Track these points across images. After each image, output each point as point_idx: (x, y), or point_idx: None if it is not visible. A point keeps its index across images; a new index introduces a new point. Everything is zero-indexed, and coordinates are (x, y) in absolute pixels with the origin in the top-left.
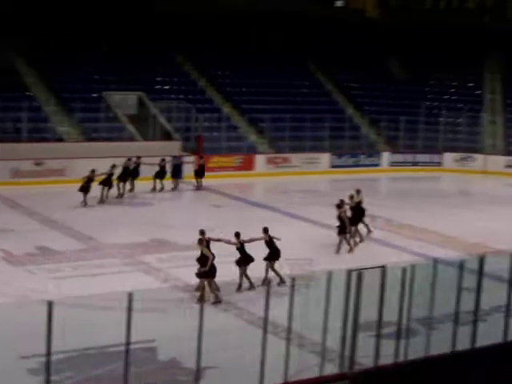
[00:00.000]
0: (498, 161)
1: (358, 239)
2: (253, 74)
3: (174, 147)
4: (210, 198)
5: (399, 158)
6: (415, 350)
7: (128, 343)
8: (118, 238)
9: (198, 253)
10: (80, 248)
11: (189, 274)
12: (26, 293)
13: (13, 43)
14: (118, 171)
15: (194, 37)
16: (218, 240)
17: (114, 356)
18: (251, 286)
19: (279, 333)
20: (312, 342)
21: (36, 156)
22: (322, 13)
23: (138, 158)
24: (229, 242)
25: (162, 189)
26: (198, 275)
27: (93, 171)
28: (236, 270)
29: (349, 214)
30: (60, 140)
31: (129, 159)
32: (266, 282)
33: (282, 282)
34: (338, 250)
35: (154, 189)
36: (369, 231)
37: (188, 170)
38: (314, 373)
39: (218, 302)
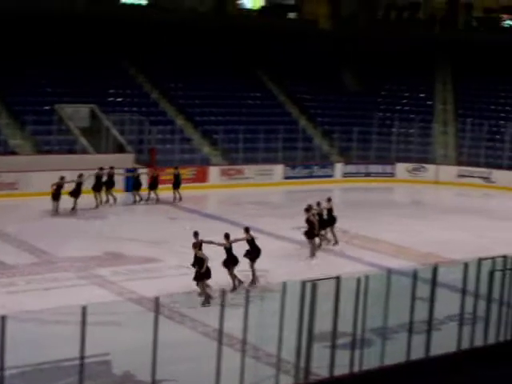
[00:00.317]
0: (449, 171)
1: (322, 243)
2: (206, 86)
3: (127, 160)
4: (165, 210)
5: (352, 168)
6: (370, 359)
7: (82, 357)
8: (72, 251)
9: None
10: (33, 262)
11: (143, 286)
12: None
13: None
14: (88, 181)
15: (146, 49)
16: (210, 242)
17: (69, 370)
18: (234, 288)
19: (234, 345)
20: (267, 353)
21: None
22: (274, 24)
23: (112, 168)
24: (220, 244)
25: (113, 200)
26: (196, 278)
27: (62, 178)
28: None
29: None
30: (12, 153)
31: (101, 169)
32: (256, 280)
33: (253, 282)
34: (311, 253)
35: (107, 200)
36: (335, 242)
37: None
38: None
39: (208, 303)
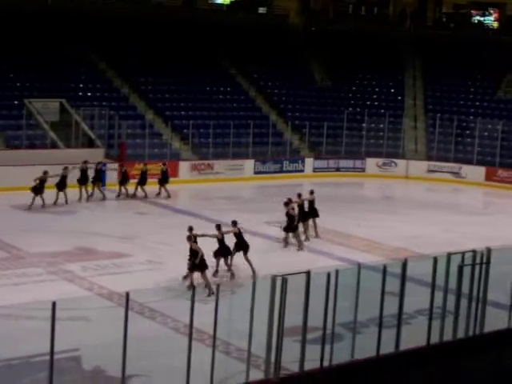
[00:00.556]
0: (419, 166)
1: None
2: (176, 80)
3: (97, 154)
4: (134, 205)
5: (322, 163)
6: (340, 354)
7: (52, 353)
8: (42, 246)
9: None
10: (2, 257)
11: (113, 282)
12: None
13: None
14: (71, 174)
15: (116, 43)
16: (203, 235)
17: (38, 366)
18: (215, 274)
19: (205, 340)
20: (237, 348)
21: None
22: (244, 19)
23: (99, 163)
24: (212, 236)
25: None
26: (190, 269)
27: (45, 173)
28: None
29: (296, 211)
30: None
31: (85, 162)
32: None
33: (232, 276)
34: (285, 245)
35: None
36: (316, 235)
37: (112, 177)
38: (239, 379)
39: (212, 293)
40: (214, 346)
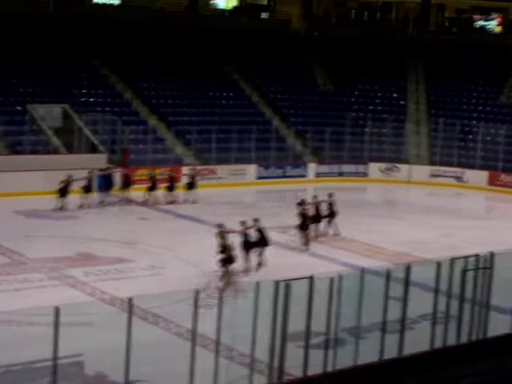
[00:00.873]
0: (422, 170)
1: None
2: (179, 86)
3: (99, 160)
4: (137, 210)
5: (325, 168)
6: (343, 359)
7: (55, 358)
8: (44, 251)
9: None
10: (4, 262)
11: (115, 287)
12: None
13: None
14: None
15: (119, 49)
16: (232, 231)
17: (41, 371)
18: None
19: (208, 345)
20: (241, 353)
21: None
22: (247, 24)
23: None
24: (240, 232)
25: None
26: (221, 263)
27: (70, 176)
28: None
29: (312, 212)
30: None
31: (105, 169)
32: (261, 265)
33: (260, 264)
34: (303, 245)
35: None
36: (336, 234)
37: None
38: None
39: (227, 287)
40: (217, 352)
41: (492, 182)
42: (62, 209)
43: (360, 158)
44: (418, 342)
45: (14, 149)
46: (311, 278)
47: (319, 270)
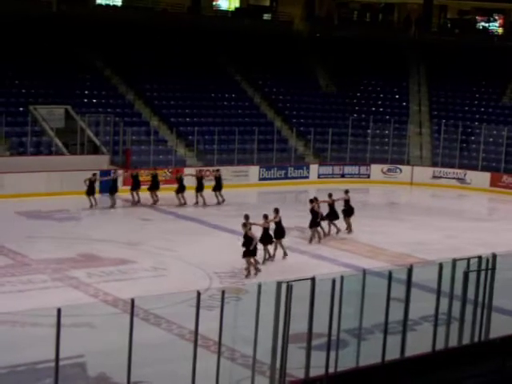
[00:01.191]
0: (424, 172)
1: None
2: (181, 87)
3: (102, 161)
4: (139, 211)
5: (327, 170)
6: (345, 360)
7: (57, 359)
8: (47, 253)
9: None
10: (7, 264)
11: (118, 288)
12: None
13: None
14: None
15: (121, 50)
16: (255, 224)
17: (44, 372)
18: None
19: (210, 346)
20: (243, 354)
21: None
22: (249, 26)
23: (155, 168)
24: (262, 225)
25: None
26: (245, 254)
27: (94, 174)
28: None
29: (326, 210)
30: None
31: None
32: (272, 258)
33: (285, 254)
34: (310, 241)
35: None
36: (349, 230)
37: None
38: None
39: (258, 271)
40: (219, 353)
41: (494, 183)
42: (91, 207)
43: (362, 159)
44: (420, 343)
45: (17, 150)
46: (313, 279)
47: (321, 271)
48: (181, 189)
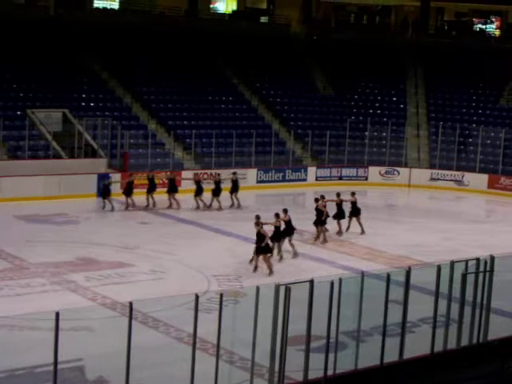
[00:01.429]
0: (422, 174)
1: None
2: (178, 90)
3: (99, 164)
4: (137, 215)
5: (325, 172)
6: (344, 363)
7: (56, 363)
8: (45, 256)
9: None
10: (5, 267)
11: (117, 291)
12: None
13: None
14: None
15: (119, 53)
16: (266, 223)
17: (42, 376)
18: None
19: (208, 349)
20: (241, 357)
21: None
22: (247, 28)
23: (172, 172)
24: (273, 223)
25: (176, 204)
26: (257, 252)
27: (131, 175)
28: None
29: (334, 210)
30: None
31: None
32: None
33: (296, 254)
34: (315, 239)
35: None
36: (362, 231)
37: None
38: None
39: (272, 272)
40: (217, 356)
41: (492, 185)
42: (127, 208)
43: (360, 161)
44: (418, 345)
45: (14, 154)
46: (311, 282)
47: (319, 273)
48: (151, 188)
